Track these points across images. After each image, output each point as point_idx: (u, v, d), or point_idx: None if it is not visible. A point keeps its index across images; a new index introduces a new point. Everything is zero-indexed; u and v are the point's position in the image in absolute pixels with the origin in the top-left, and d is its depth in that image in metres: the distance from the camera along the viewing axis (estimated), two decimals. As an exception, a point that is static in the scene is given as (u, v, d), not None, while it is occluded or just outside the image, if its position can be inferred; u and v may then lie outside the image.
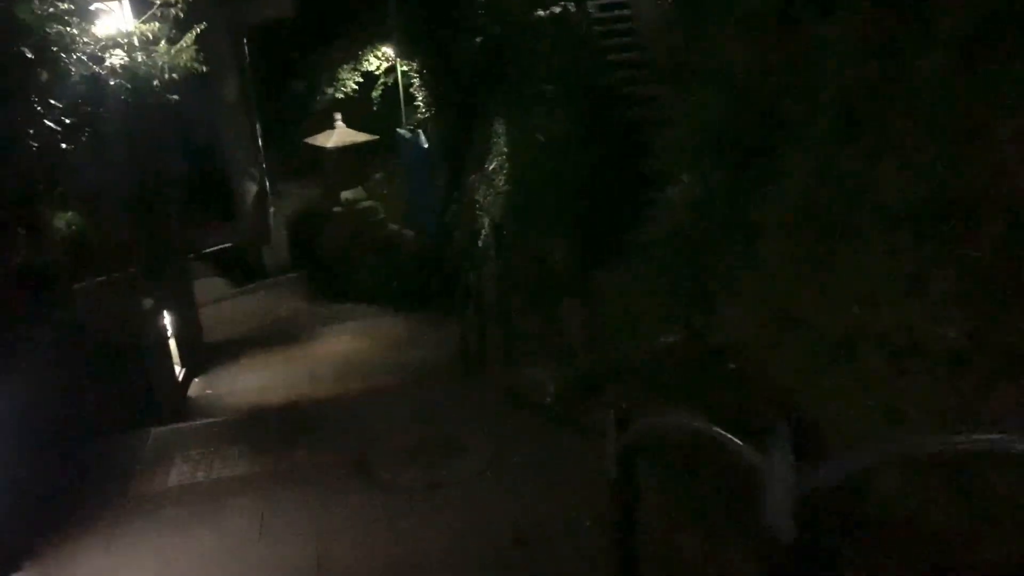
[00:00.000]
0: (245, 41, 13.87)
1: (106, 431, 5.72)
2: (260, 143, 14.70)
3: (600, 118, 9.24)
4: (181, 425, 6.26)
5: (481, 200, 11.52)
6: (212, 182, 15.09)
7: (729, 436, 2.25)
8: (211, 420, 6.38)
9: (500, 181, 10.49)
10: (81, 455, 5.37)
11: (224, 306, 13.68)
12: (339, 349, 9.28)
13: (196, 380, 8.16)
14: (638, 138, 9.40)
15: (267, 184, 14.80)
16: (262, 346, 9.62)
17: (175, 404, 6.98)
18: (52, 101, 4.95)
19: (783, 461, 1.98)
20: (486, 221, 11.08)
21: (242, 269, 14.81)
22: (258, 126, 14.64)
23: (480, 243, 10.84)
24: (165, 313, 7.24)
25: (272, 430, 5.88)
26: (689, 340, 4.74)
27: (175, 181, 8.95)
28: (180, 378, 7.55)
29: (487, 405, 6.10)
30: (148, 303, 6.56)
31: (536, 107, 10.35)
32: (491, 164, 11.17)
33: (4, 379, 4.65)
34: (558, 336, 6.68)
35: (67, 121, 5.09)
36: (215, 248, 15.07)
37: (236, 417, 6.50)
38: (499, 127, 11.08)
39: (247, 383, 8.11)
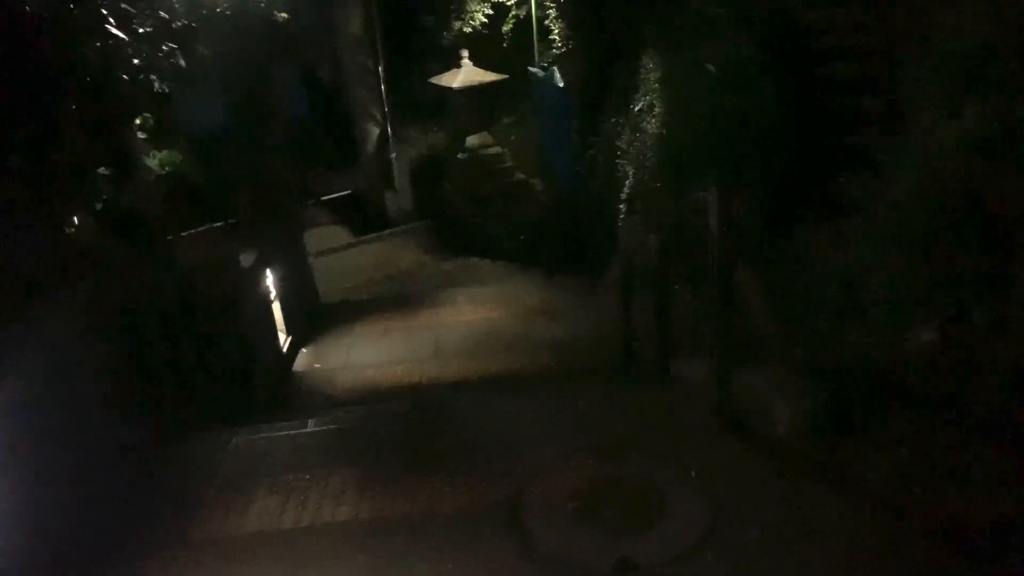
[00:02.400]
0: (370, -31, 12.82)
1: (186, 422, 4.76)
2: (383, 83, 13.72)
3: (780, 48, 7.65)
4: (271, 432, 4.93)
5: (625, 146, 10.11)
6: (332, 123, 14.31)
7: None
8: (312, 426, 5.04)
9: (651, 123, 9.03)
10: (140, 465, 4.39)
11: (343, 256, 12.93)
12: (468, 317, 8.16)
13: (304, 351, 7.22)
14: (829, 72, 7.80)
15: (389, 127, 13.85)
16: (382, 308, 8.61)
17: (276, 383, 6.02)
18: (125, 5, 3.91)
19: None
20: (631, 171, 9.68)
21: (363, 217, 14.04)
22: (381, 64, 13.64)
23: (624, 196, 9.46)
24: (269, 271, 6.29)
25: (390, 442, 4.64)
26: (964, 340, 3.29)
27: (287, 118, 7.97)
28: (284, 349, 6.61)
29: (686, 429, 4.47)
30: (248, 259, 5.59)
31: (699, 35, 8.82)
32: (639, 104, 9.71)
33: (63, 345, 3.72)
34: (738, 315, 5.26)
35: (140, 29, 4.06)
36: (335, 195, 14.36)
37: (344, 421, 5.19)
38: (650, 61, 9.58)
39: (363, 356, 7.11)
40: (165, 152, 5.64)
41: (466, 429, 4.71)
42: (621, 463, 4.01)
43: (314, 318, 7.99)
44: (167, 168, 5.63)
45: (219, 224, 6.06)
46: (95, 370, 4.19)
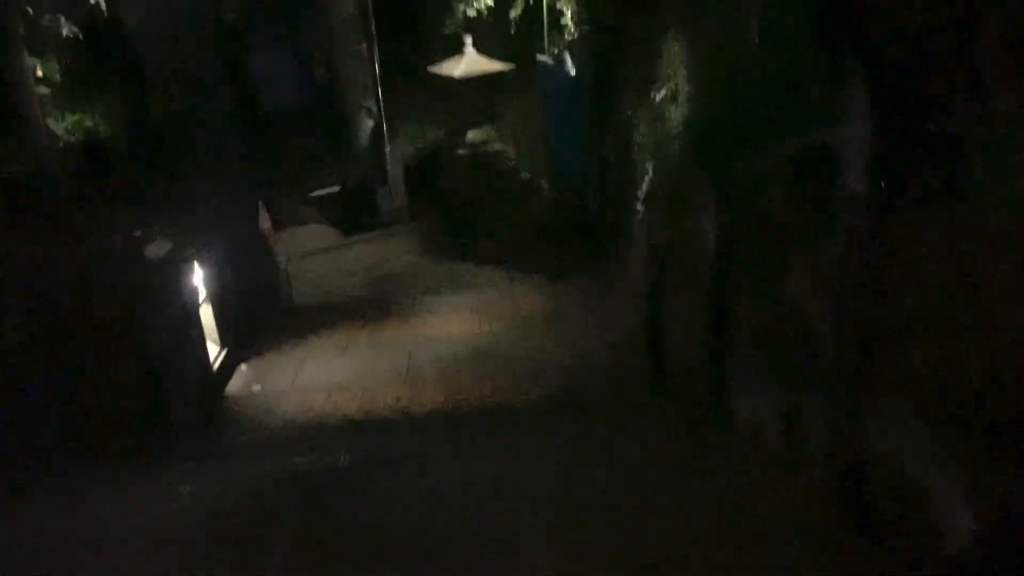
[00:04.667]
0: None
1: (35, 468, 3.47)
2: (378, 71, 12.60)
3: (829, 17, 6.48)
4: (124, 496, 3.33)
5: (641, 140, 8.97)
6: (322, 113, 13.21)
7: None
8: (184, 492, 3.56)
9: (676, 111, 7.88)
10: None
11: (330, 257, 11.80)
12: (453, 328, 6.88)
13: (243, 368, 5.95)
14: (891, 44, 6.62)
15: (384, 120, 12.73)
16: (356, 315, 7.32)
17: (197, 412, 4.77)
18: None
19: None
20: (650, 167, 8.54)
21: (354, 215, 12.91)
22: (376, 50, 12.52)
23: (641, 195, 8.31)
24: (197, 267, 5.06)
25: (288, 532, 2.94)
26: None
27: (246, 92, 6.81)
28: (215, 366, 5.35)
29: (779, 522, 2.81)
30: (160, 250, 4.37)
31: (727, 5, 7.70)
32: (660, 92, 8.57)
33: None
34: (806, 332, 4.02)
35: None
36: (324, 191, 13.23)
37: (232, 485, 3.51)
38: (672, 43, 8.44)
39: (317, 376, 5.83)
40: (77, 115, 4.50)
41: (425, 511, 3.15)
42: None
43: (267, 325, 6.74)
44: (76, 135, 4.49)
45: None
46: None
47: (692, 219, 5.50)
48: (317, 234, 12.44)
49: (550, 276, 9.22)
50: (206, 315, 5.23)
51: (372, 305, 7.79)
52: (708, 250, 4.76)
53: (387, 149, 12.84)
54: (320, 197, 13.05)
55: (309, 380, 5.71)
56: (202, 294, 5.17)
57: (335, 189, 13.10)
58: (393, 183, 12.98)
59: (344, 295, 9.47)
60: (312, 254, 11.74)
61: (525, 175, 12.98)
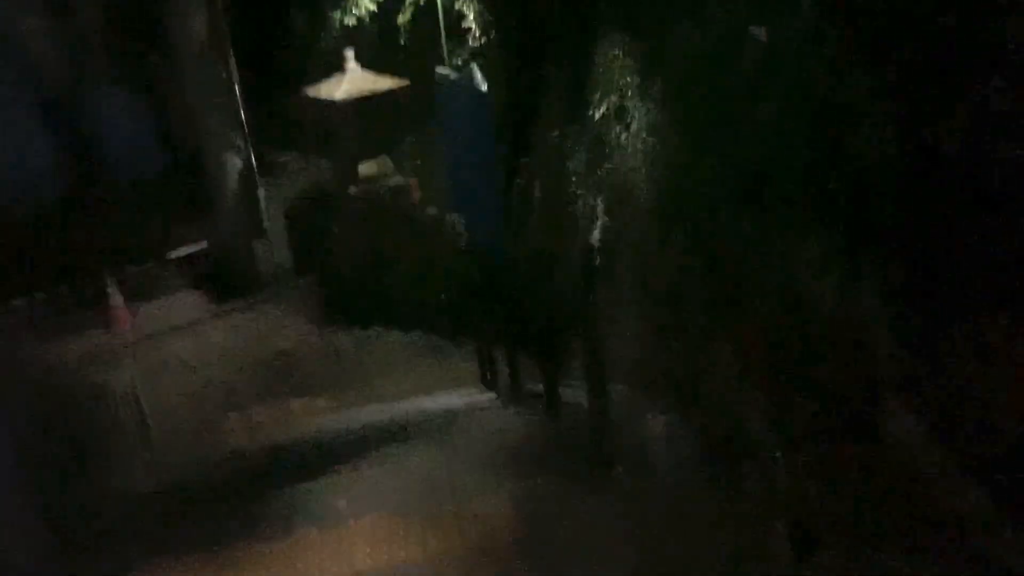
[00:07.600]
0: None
1: None
2: (241, 100, 10.31)
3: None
4: None
5: (583, 170, 7.05)
6: (173, 157, 10.78)
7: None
8: None
9: (631, 132, 5.98)
10: None
11: (196, 336, 9.44)
12: (359, 566, 3.83)
13: None
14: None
15: (253, 159, 10.43)
16: (204, 506, 4.53)
17: None
18: None
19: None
20: (599, 205, 6.62)
21: (226, 278, 10.55)
22: (236, 76, 10.25)
23: (593, 252, 6.34)
24: None
25: None
26: None
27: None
28: None
29: None
30: None
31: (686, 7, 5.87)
32: (600, 108, 6.66)
33: None
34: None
35: None
36: (185, 250, 10.79)
37: None
38: (616, 47, 6.55)
39: None
40: None
41: None
42: None
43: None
44: None
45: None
46: None
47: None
48: (177, 306, 10.03)
49: (503, 394, 6.90)
50: None
51: (250, 454, 5.10)
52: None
53: (261, 193, 10.54)
54: (181, 258, 10.62)
55: None
56: None
57: (200, 247, 10.69)
58: (272, 235, 10.68)
59: (219, 393, 7.21)
60: (170, 333, 9.38)
61: (432, 212, 10.91)
